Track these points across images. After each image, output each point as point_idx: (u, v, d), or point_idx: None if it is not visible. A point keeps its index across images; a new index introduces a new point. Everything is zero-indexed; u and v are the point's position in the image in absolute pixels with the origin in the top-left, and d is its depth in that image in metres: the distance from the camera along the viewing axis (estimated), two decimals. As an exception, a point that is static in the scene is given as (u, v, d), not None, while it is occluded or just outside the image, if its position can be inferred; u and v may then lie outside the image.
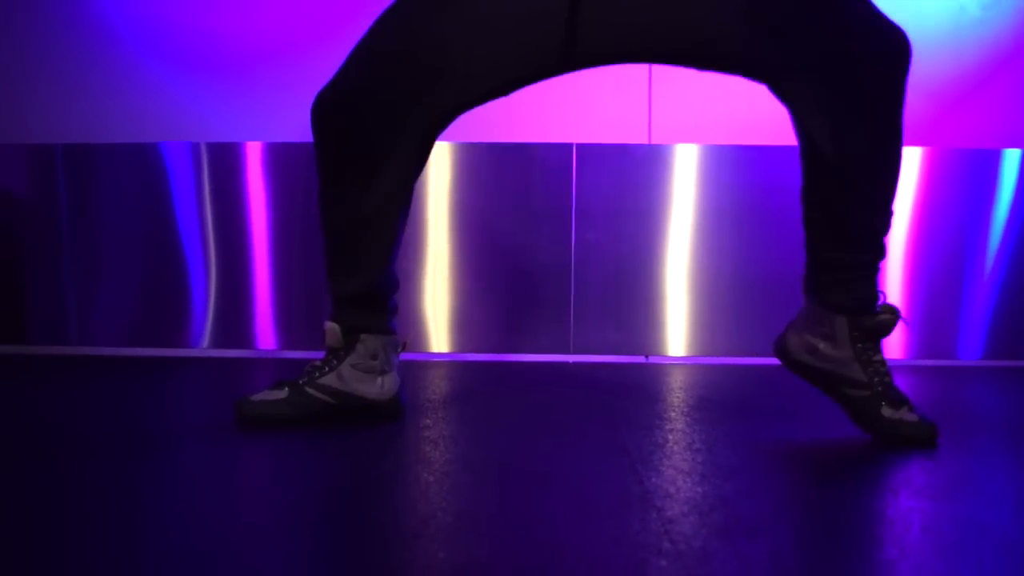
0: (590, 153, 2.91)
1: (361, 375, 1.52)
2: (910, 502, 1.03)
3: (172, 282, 2.99)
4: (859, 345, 1.39)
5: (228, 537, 0.86)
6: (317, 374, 1.50)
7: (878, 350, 1.40)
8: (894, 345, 2.85)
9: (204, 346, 2.98)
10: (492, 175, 2.93)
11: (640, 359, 2.91)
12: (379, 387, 1.53)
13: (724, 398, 1.95)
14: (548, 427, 1.55)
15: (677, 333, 2.89)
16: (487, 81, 1.39)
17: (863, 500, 1.05)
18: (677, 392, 2.06)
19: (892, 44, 1.31)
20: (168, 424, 1.54)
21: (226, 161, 2.99)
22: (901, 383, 2.38)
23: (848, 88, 1.31)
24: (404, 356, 2.87)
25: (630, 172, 2.91)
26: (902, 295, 2.85)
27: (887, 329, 1.39)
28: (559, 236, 2.91)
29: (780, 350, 1.48)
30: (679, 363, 2.84)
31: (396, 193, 1.46)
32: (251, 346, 2.99)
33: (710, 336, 2.89)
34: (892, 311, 1.39)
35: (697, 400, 1.91)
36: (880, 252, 1.39)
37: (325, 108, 1.42)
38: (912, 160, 2.85)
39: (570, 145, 2.91)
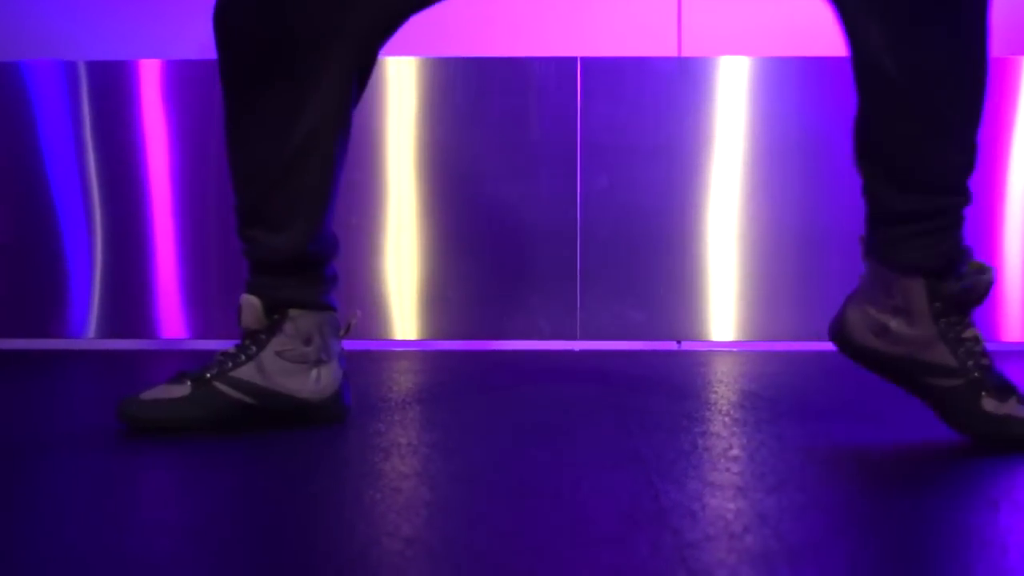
0: (600, 69, 2.91)
1: (290, 366, 1.53)
2: (1012, 519, 1.05)
3: (42, 250, 3.00)
4: (943, 320, 1.39)
5: (103, 573, 0.88)
6: (230, 364, 1.51)
7: (970, 324, 1.41)
8: (1013, 323, 2.87)
9: (89, 336, 2.99)
10: (471, 100, 2.93)
11: (671, 345, 2.92)
12: (314, 382, 1.55)
13: (778, 393, 1.97)
14: (540, 431, 1.56)
15: (722, 311, 2.91)
16: None
17: (948, 515, 1.07)
18: (716, 386, 2.08)
19: None
20: (35, 432, 1.55)
21: (112, 85, 2.99)
22: (1012, 370, 2.40)
23: None
24: (353, 344, 2.88)
25: (654, 95, 2.91)
26: (1016, 251, 2.86)
27: (979, 294, 1.39)
28: (559, 182, 2.92)
29: (838, 334, 1.48)
30: (723, 350, 2.85)
31: (330, 126, 1.48)
32: (151, 335, 3.00)
33: (766, 314, 2.90)
34: (983, 270, 1.40)
35: (741, 396, 1.93)
36: (965, 195, 1.40)
37: (232, 16, 1.44)
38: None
39: (574, 59, 2.91)
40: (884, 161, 1.40)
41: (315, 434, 1.53)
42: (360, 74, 1.50)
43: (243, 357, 1.52)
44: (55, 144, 2.99)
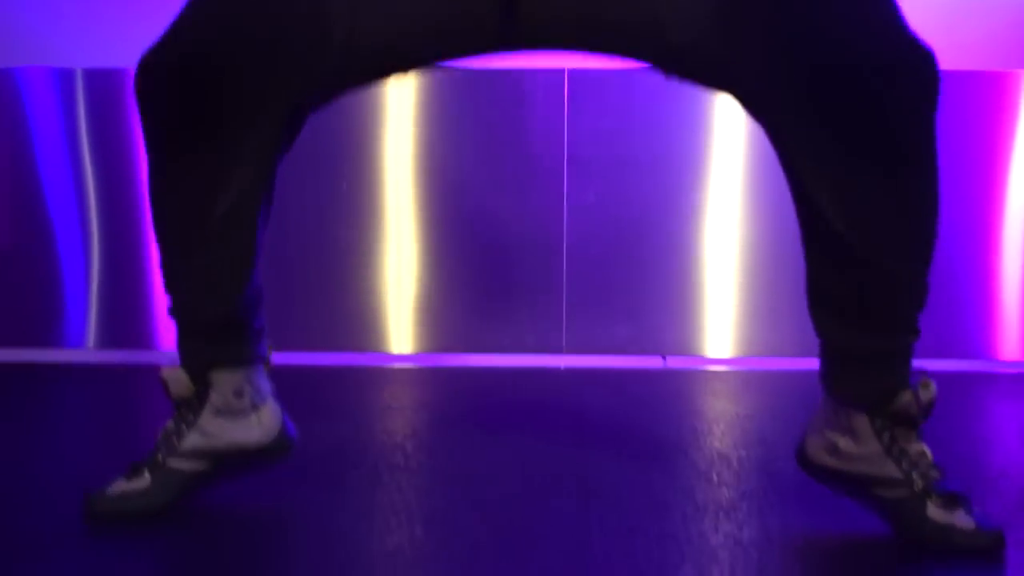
0: (588, 82, 2.89)
1: (230, 422, 1.56)
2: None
3: (38, 258, 3.02)
4: (887, 435, 1.42)
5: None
6: (175, 439, 1.55)
7: (915, 437, 1.43)
8: (1011, 341, 2.84)
9: (88, 346, 3.02)
10: (458, 112, 2.93)
11: (656, 362, 2.92)
12: (257, 427, 1.58)
13: (765, 411, 1.97)
14: (493, 463, 1.59)
15: (717, 324, 2.90)
16: (378, 57, 1.39)
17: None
18: (693, 406, 2.09)
19: (915, 69, 1.32)
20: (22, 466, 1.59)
21: (109, 93, 3.00)
22: (1009, 393, 2.38)
23: (857, 129, 1.32)
24: (345, 361, 2.90)
25: (641, 108, 2.90)
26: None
27: (921, 411, 1.41)
28: (546, 196, 2.91)
29: (800, 455, 1.54)
30: (714, 366, 2.85)
31: (252, 198, 1.47)
32: (149, 345, 3.02)
33: (762, 329, 2.89)
34: (926, 386, 1.41)
35: (717, 416, 1.94)
36: (912, 333, 1.42)
37: (155, 74, 1.42)
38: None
39: (560, 71, 2.90)
40: (832, 305, 1.42)
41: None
42: (288, 138, 1.47)
43: (184, 427, 1.55)
44: (51, 152, 3.01)
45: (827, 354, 1.46)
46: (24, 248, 3.03)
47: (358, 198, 2.95)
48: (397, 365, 2.87)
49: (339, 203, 2.94)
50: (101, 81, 3.01)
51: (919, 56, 1.32)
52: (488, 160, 2.93)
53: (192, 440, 1.54)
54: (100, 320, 3.02)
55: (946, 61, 2.87)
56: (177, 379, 1.54)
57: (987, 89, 2.79)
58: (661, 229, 2.90)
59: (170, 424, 1.56)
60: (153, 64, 1.42)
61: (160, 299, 2.98)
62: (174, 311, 1.54)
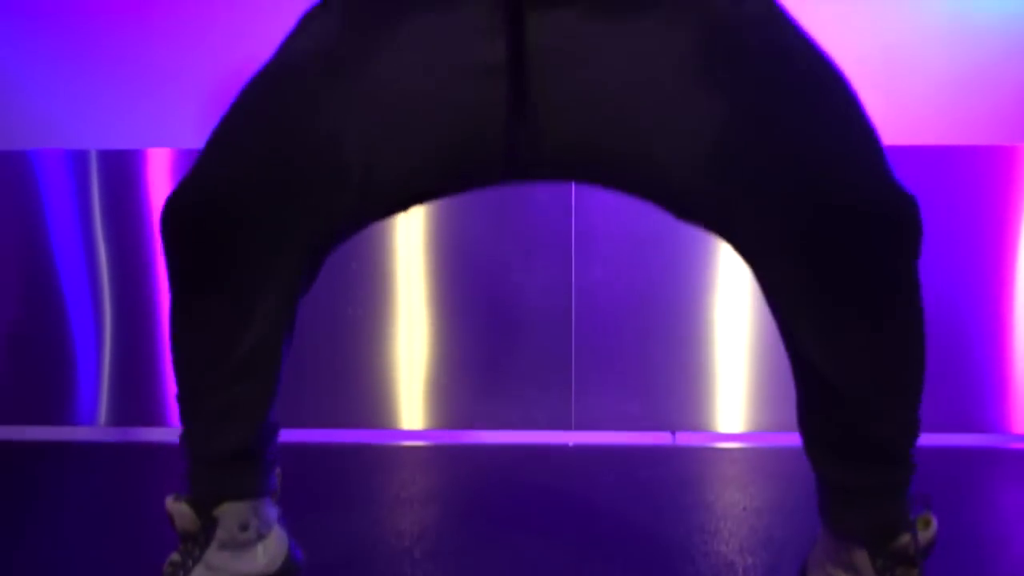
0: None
1: (235, 555, 1.55)
2: None
3: (51, 336, 3.04)
4: (888, 575, 1.40)
5: None
6: (182, 573, 1.53)
7: (917, 574, 1.41)
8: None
9: (100, 423, 3.03)
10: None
11: (665, 438, 2.91)
12: (262, 556, 1.57)
13: (773, 503, 1.95)
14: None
15: (728, 399, 2.89)
16: (393, 194, 1.41)
17: None
18: (700, 496, 2.06)
19: (901, 218, 1.31)
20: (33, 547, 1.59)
21: (122, 173, 3.03)
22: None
23: (843, 278, 1.32)
24: (356, 439, 2.90)
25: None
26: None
27: (922, 550, 1.39)
28: (554, 271, 2.92)
29: None
30: (724, 443, 2.83)
31: (273, 340, 1.47)
32: (163, 423, 3.03)
33: (773, 404, 2.88)
34: (926, 523, 1.40)
35: (725, 510, 1.92)
36: (906, 468, 1.41)
37: (180, 217, 1.43)
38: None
39: (567, 149, 2.91)
40: (823, 441, 1.42)
41: None
42: (309, 275, 1.48)
43: (190, 562, 1.53)
44: (65, 233, 3.04)
45: (822, 487, 1.46)
46: (37, 327, 3.05)
47: (367, 276, 2.96)
48: (407, 443, 2.86)
49: (348, 281, 2.95)
50: (114, 162, 3.04)
51: (905, 205, 1.31)
52: (496, 236, 2.93)
53: (199, 574, 1.53)
54: (112, 398, 3.03)
55: (952, 136, 2.91)
56: (182, 514, 1.52)
57: (994, 164, 2.79)
58: (670, 303, 2.89)
59: (176, 557, 1.54)
60: (174, 207, 1.43)
61: (171, 376, 2.98)
62: (186, 442, 1.53)
